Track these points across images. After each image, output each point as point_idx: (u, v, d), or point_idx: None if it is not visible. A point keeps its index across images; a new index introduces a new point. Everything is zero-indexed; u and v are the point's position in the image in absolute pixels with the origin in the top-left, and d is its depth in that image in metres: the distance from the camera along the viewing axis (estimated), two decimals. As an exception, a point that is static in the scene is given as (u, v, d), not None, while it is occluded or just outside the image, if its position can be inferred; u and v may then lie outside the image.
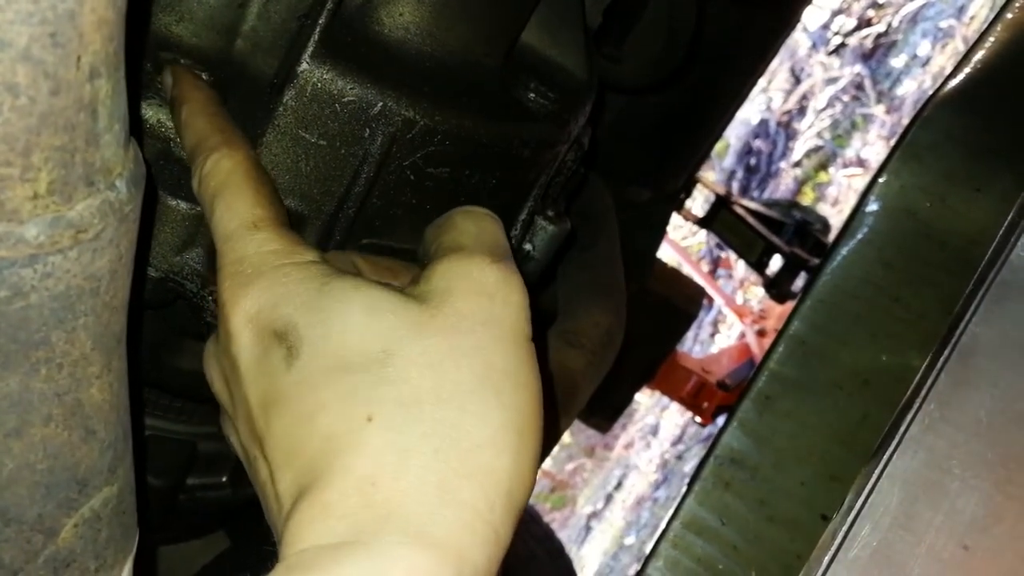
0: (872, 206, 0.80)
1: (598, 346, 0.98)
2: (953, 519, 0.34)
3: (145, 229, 0.36)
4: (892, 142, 0.78)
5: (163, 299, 0.50)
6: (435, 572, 0.33)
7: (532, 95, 0.59)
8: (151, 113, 0.48)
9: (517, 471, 0.37)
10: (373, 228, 0.52)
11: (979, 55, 0.78)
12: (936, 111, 0.78)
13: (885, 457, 0.35)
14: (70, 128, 0.26)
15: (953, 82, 0.78)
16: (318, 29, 0.47)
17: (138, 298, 0.36)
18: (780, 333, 0.82)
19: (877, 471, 0.35)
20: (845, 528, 0.34)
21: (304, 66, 0.47)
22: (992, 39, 0.77)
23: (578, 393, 0.94)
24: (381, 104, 0.48)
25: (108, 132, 0.28)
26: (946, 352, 0.37)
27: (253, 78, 0.50)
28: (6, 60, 0.24)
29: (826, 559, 0.34)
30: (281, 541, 0.36)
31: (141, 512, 0.41)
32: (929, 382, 0.36)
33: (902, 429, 0.35)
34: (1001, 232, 0.48)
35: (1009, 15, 0.79)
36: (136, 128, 0.34)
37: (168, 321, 0.54)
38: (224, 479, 0.73)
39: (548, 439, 0.41)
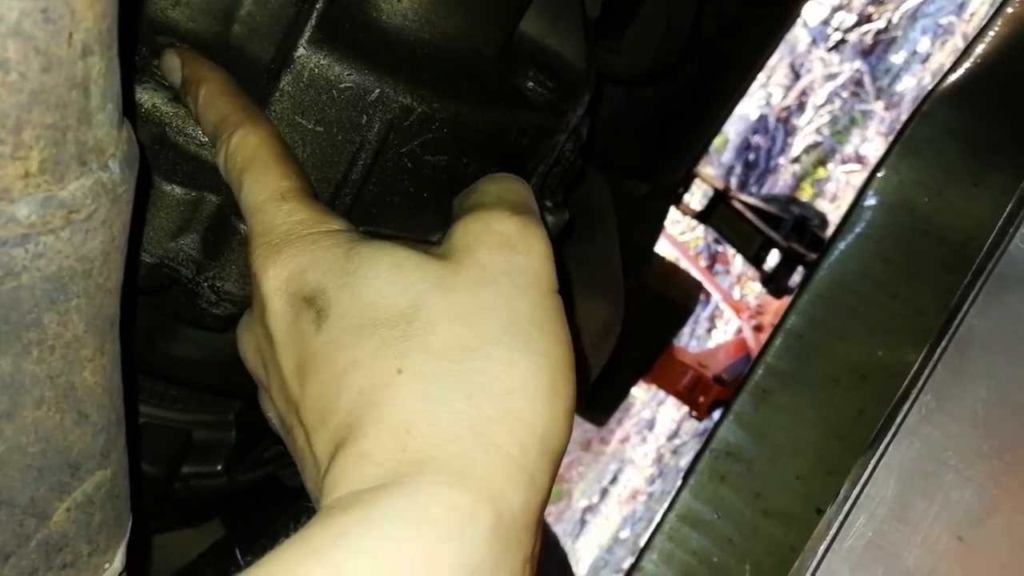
0: (870, 201, 0.80)
1: (595, 339, 0.98)
2: (948, 510, 0.34)
3: (139, 211, 0.36)
4: (891, 138, 0.78)
5: (158, 285, 0.50)
6: (474, 511, 0.33)
7: (531, 84, 0.58)
8: (146, 97, 0.47)
9: (551, 417, 0.37)
10: (370, 215, 0.52)
11: (978, 50, 0.78)
12: (935, 106, 0.78)
13: (881, 448, 0.35)
14: (62, 106, 0.26)
15: (952, 77, 0.78)
16: (315, 14, 0.47)
17: (132, 281, 0.36)
18: (777, 327, 0.82)
19: (873, 462, 0.35)
20: (840, 518, 0.34)
21: (301, 51, 0.47)
22: (992, 34, 0.77)
23: (584, 372, 0.94)
24: (379, 91, 0.48)
25: (101, 111, 0.28)
26: (943, 344, 0.37)
27: (249, 63, 0.50)
28: (-3, 35, 0.24)
29: (821, 549, 0.34)
30: (316, 499, 0.36)
31: (135, 497, 0.41)
32: (926, 373, 0.36)
33: (898, 420, 0.35)
34: (999, 225, 0.48)
35: (1009, 10, 0.79)
36: (130, 110, 0.34)
37: (163, 307, 0.54)
38: (219, 467, 0.73)
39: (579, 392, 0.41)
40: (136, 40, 0.46)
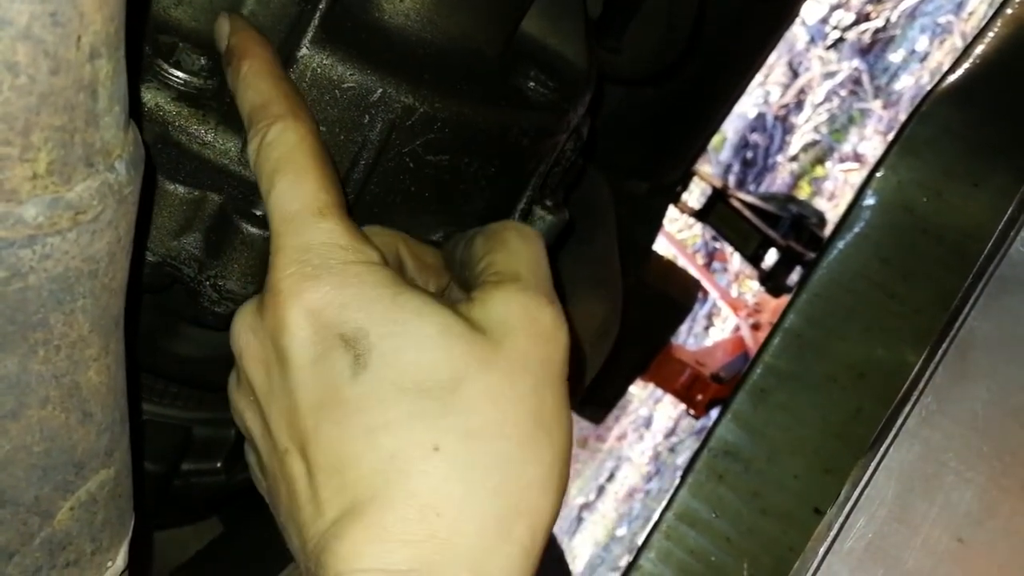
0: (869, 200, 0.81)
1: (593, 338, 0.98)
2: (948, 512, 0.34)
3: (144, 212, 0.36)
4: (889, 137, 0.78)
5: (160, 284, 0.50)
6: None
7: (532, 84, 0.59)
8: (149, 96, 0.47)
9: (556, 509, 0.39)
10: (371, 215, 0.52)
11: (978, 50, 0.78)
12: (935, 106, 0.78)
13: (881, 450, 0.35)
14: (70, 108, 0.26)
15: (952, 77, 0.78)
16: (318, 14, 0.47)
17: (136, 281, 0.36)
18: (775, 326, 0.82)
19: (873, 464, 0.35)
20: (840, 520, 0.35)
21: (304, 51, 0.47)
22: (992, 34, 0.77)
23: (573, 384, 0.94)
24: (381, 91, 0.48)
25: (108, 113, 0.28)
26: (944, 346, 0.37)
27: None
28: (6, 39, 0.24)
29: (821, 550, 0.34)
30: (322, 550, 0.36)
31: (138, 496, 0.41)
32: (926, 375, 0.37)
33: (898, 422, 0.36)
34: (1000, 227, 0.48)
35: (1009, 10, 0.79)
36: (136, 110, 0.34)
37: (164, 306, 0.54)
38: (218, 465, 0.73)
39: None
40: (141, 39, 0.46)
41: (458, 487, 0.36)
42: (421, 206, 0.54)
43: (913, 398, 0.35)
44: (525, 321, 0.41)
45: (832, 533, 0.34)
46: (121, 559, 0.39)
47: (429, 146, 0.51)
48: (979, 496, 0.34)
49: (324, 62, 0.47)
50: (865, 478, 0.34)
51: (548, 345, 0.41)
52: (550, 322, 0.41)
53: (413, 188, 0.53)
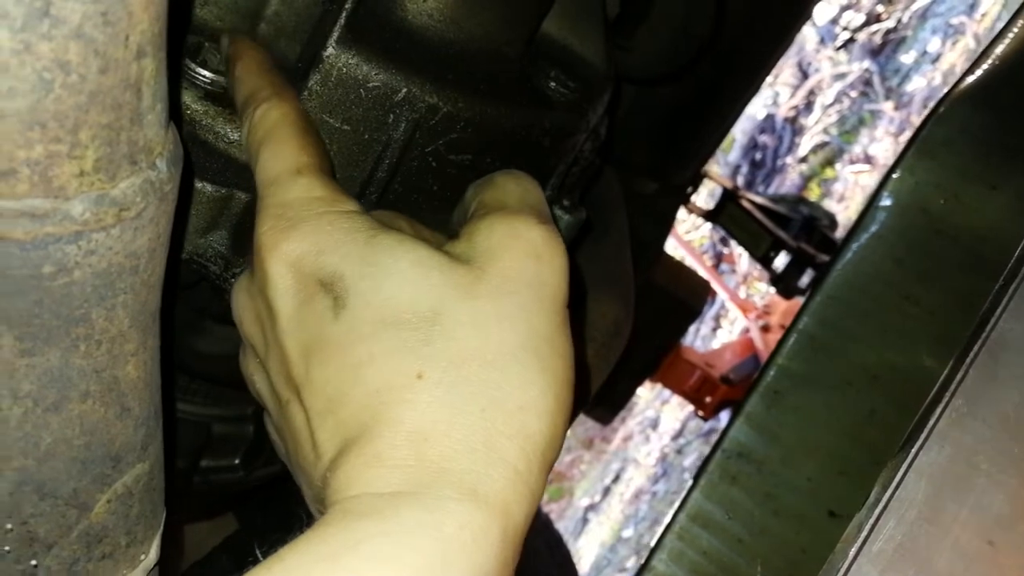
0: (885, 202, 0.80)
1: (606, 337, 0.98)
2: (978, 514, 0.34)
3: (181, 209, 0.36)
4: (900, 139, 0.78)
5: (186, 280, 0.50)
6: (486, 527, 0.34)
7: (552, 84, 0.59)
8: (177, 96, 0.48)
9: (553, 434, 0.38)
10: (396, 214, 0.52)
11: (997, 51, 0.77)
12: (952, 107, 0.78)
13: (912, 452, 0.36)
14: (117, 107, 0.26)
15: (970, 78, 0.78)
16: (344, 14, 0.48)
17: (172, 278, 0.37)
18: (789, 328, 0.82)
19: (904, 466, 0.35)
20: (871, 522, 0.35)
21: (330, 51, 0.47)
22: (1011, 35, 0.77)
23: (586, 383, 0.94)
24: (406, 90, 0.48)
25: (151, 112, 0.28)
26: (975, 348, 0.37)
27: (276, 62, 0.50)
28: (59, 37, 0.24)
29: (851, 552, 0.34)
30: (325, 486, 0.36)
31: (168, 490, 0.41)
32: (957, 378, 0.37)
33: (929, 424, 0.36)
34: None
35: (1028, 12, 0.79)
36: (175, 109, 0.34)
37: (190, 302, 0.54)
38: (237, 461, 0.73)
39: (578, 403, 0.42)
40: (182, 39, 0.47)
41: (443, 412, 0.36)
42: (443, 205, 0.54)
43: (944, 400, 0.35)
44: (510, 240, 0.40)
45: (862, 535, 0.34)
46: (154, 552, 0.39)
47: (452, 145, 0.51)
48: (1010, 498, 0.34)
49: (349, 61, 0.48)
50: (895, 480, 0.34)
51: (538, 264, 0.40)
52: (540, 240, 0.41)
53: (436, 187, 0.53)
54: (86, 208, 0.27)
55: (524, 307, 0.39)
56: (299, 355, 0.39)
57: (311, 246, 0.40)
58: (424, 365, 0.37)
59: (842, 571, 0.34)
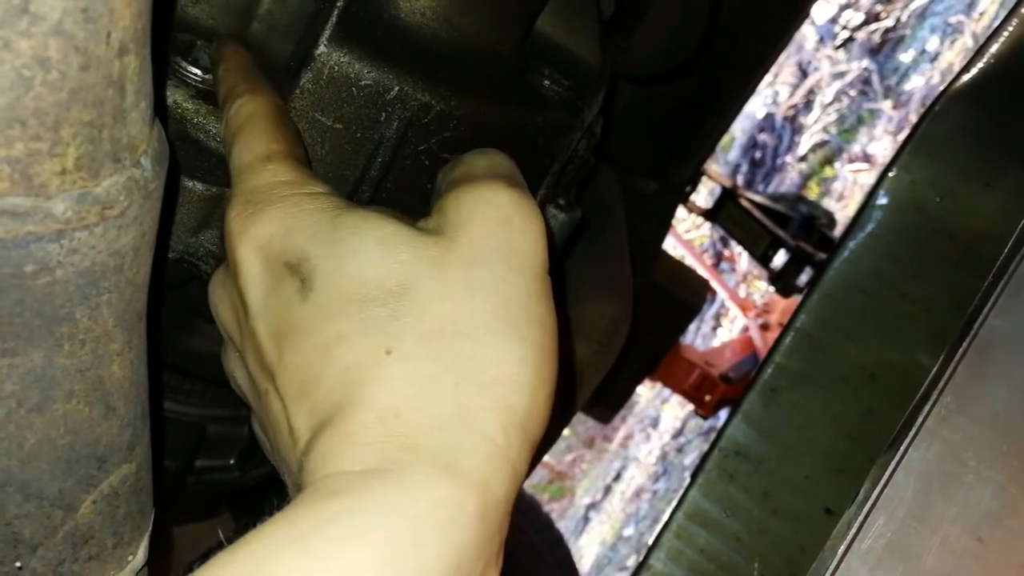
0: (881, 200, 0.80)
1: (604, 336, 0.98)
2: (968, 511, 0.34)
3: (167, 208, 0.36)
4: (899, 137, 0.78)
5: (177, 280, 0.50)
6: (462, 502, 0.33)
7: (546, 82, 0.59)
8: (167, 94, 0.48)
9: (533, 406, 0.37)
10: (387, 213, 0.52)
11: (992, 49, 0.77)
12: (948, 105, 0.78)
13: (901, 449, 0.35)
14: (99, 104, 0.26)
15: (966, 76, 0.78)
16: (336, 12, 0.47)
17: (159, 277, 0.36)
18: (787, 326, 0.82)
19: (892, 463, 0.35)
20: (860, 519, 0.34)
21: (322, 49, 0.47)
22: (1006, 34, 0.77)
23: (584, 383, 0.94)
24: (398, 88, 0.48)
25: (135, 109, 0.28)
26: (964, 345, 0.37)
27: (268, 61, 0.50)
28: (38, 34, 0.24)
29: (840, 549, 0.34)
30: (300, 471, 0.35)
31: (157, 491, 0.41)
32: (946, 375, 0.37)
33: (918, 421, 0.36)
34: (1021, 226, 0.48)
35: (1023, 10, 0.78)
36: (160, 107, 0.34)
37: (181, 302, 0.54)
38: (231, 462, 0.73)
39: (564, 380, 0.41)
40: (167, 37, 0.47)
41: (415, 387, 0.35)
42: (436, 204, 0.54)
43: (933, 397, 0.35)
44: (478, 206, 0.39)
45: (851, 532, 0.34)
46: (141, 553, 0.39)
47: (444, 144, 0.51)
48: (999, 495, 0.34)
49: (341, 60, 0.47)
50: (884, 477, 0.34)
51: (509, 230, 0.39)
52: (509, 205, 0.39)
53: (429, 185, 0.53)
54: (68, 207, 0.27)
55: (496, 275, 0.38)
56: (271, 341, 0.38)
57: (278, 228, 0.39)
58: (393, 341, 0.36)
59: (831, 569, 0.34)
